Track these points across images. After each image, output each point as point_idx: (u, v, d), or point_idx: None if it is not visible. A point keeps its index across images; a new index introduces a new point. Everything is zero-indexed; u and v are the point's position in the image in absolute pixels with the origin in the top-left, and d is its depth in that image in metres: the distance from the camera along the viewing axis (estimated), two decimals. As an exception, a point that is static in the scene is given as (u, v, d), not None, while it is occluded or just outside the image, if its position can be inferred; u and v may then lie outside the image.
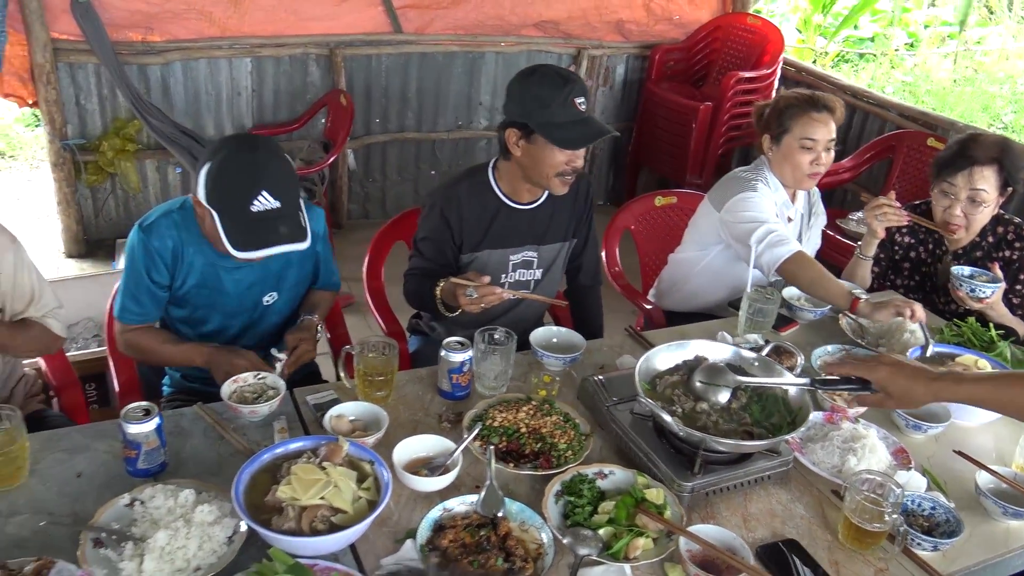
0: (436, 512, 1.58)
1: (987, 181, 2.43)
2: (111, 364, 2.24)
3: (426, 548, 1.51)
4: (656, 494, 1.65)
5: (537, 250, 2.38)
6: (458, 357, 1.92)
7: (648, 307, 2.90)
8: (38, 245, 4.22)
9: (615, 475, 1.72)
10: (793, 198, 2.69)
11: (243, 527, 1.46)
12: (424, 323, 2.57)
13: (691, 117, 4.49)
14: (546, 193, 2.31)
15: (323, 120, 4.33)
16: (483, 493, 1.61)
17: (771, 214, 2.54)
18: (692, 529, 1.57)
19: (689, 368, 1.86)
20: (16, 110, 6.10)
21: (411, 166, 4.76)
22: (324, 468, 1.53)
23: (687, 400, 1.78)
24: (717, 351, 1.92)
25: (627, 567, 1.50)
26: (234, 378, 1.86)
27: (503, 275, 2.37)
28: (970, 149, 2.44)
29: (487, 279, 2.08)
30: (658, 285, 2.97)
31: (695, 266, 2.76)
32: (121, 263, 3.93)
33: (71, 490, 1.60)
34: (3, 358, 2.03)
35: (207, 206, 1.84)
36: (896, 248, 2.71)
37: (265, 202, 1.81)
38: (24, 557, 1.37)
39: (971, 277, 2.38)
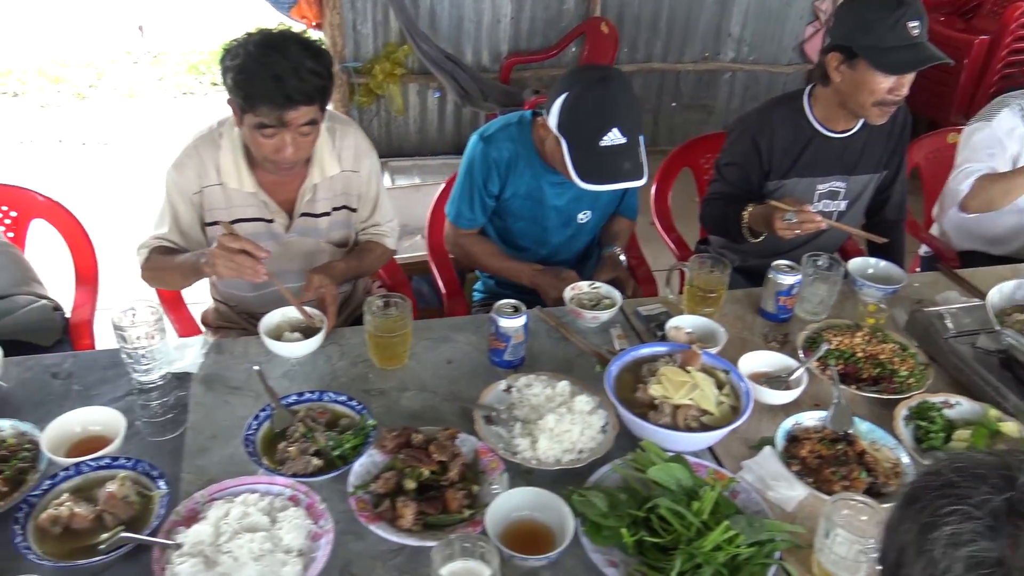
0: (788, 424, 1.63)
1: None
2: (433, 267, 2.43)
3: (784, 456, 1.57)
4: (1012, 427, 1.62)
5: (846, 180, 2.33)
6: (789, 280, 1.94)
7: (939, 246, 2.79)
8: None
9: (962, 406, 1.70)
10: None
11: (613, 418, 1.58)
12: (713, 249, 2.60)
13: (963, 52, 4.17)
14: (861, 121, 2.26)
15: (573, 48, 4.39)
16: (832, 410, 1.64)
17: (983, 152, 2.46)
18: (1060, 466, 1.54)
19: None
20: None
21: (653, 97, 4.75)
22: (688, 372, 1.62)
23: (1040, 337, 1.73)
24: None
25: (992, 495, 1.50)
26: (573, 286, 1.98)
27: (808, 206, 2.34)
28: None
29: (809, 206, 2.07)
30: (942, 224, 2.84)
31: None
32: (386, 181, 4.22)
33: (444, 373, 1.78)
34: None
35: (557, 133, 1.93)
36: None
37: (614, 138, 1.88)
38: (421, 427, 1.55)
39: None
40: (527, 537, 1.35)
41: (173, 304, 2.18)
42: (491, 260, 2.26)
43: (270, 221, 1.98)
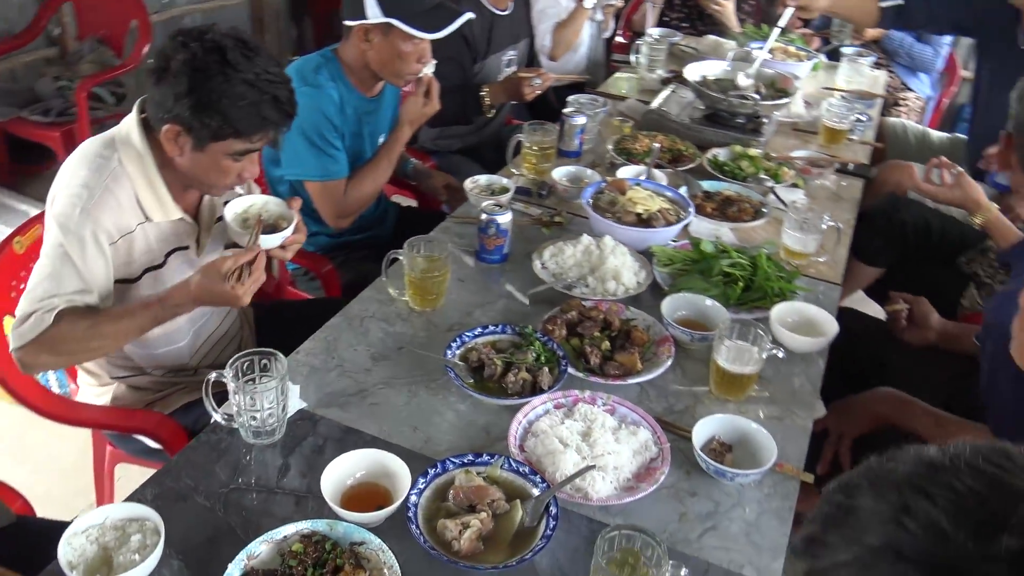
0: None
1: None
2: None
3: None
4: (754, 152, 2.51)
5: (516, 49, 2.88)
6: (582, 120, 2.46)
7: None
8: None
9: (720, 154, 2.53)
10: None
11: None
12: (429, 142, 2.91)
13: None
14: (514, 3, 2.81)
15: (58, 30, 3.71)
16: (687, 186, 2.30)
17: (548, 12, 3.22)
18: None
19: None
20: None
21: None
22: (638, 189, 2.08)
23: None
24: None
25: None
26: (467, 185, 2.16)
27: (499, 76, 2.84)
28: None
29: (542, 70, 2.60)
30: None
31: None
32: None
33: (476, 288, 1.88)
34: None
35: (386, 19, 1.99)
36: None
37: None
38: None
39: None
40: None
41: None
42: (378, 172, 2.22)
43: (187, 248, 1.68)
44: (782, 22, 2.75)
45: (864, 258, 2.48)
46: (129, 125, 1.55)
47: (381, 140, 2.35)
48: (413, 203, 2.85)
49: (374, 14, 1.99)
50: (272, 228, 1.64)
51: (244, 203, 1.68)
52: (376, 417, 1.49)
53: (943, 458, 0.61)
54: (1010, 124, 1.67)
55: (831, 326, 1.74)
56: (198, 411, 1.73)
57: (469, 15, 2.08)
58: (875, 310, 2.56)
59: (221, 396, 1.40)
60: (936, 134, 3.26)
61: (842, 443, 1.79)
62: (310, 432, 1.45)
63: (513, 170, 2.40)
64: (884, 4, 2.89)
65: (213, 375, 1.37)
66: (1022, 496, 0.57)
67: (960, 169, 2.21)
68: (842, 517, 0.63)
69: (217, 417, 1.40)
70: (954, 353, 2.00)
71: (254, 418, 1.37)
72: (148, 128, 1.54)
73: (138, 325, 1.52)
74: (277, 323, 2.01)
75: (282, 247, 1.64)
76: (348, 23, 2.04)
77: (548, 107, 3.12)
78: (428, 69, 2.15)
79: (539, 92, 2.60)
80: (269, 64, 1.50)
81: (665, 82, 3.12)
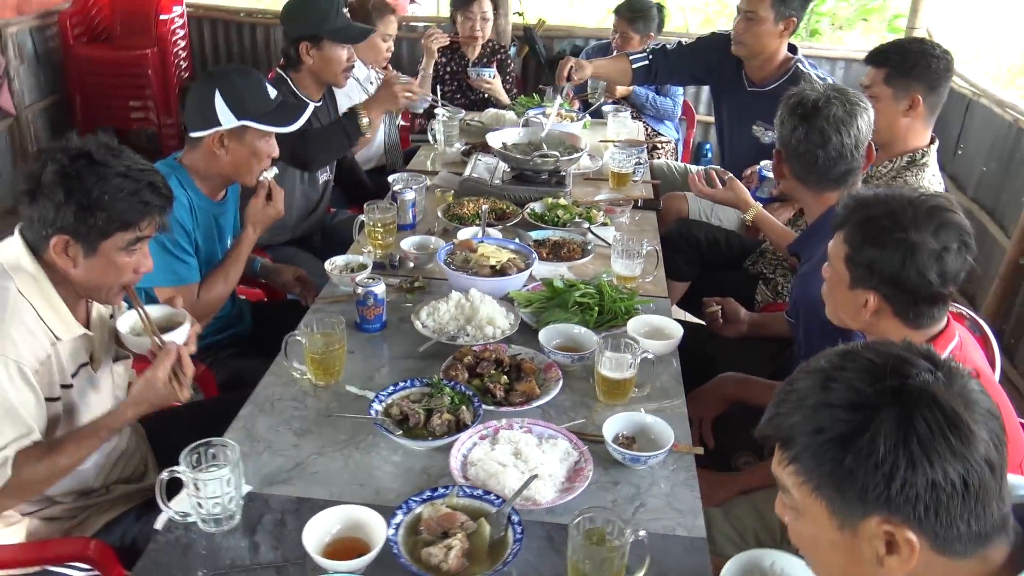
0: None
1: None
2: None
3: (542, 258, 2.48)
4: (564, 202, 2.87)
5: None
6: (411, 195, 2.68)
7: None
8: None
9: (536, 207, 2.85)
10: None
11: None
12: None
13: (143, 65, 4.79)
14: (323, 93, 2.99)
15: None
16: (520, 241, 2.59)
17: None
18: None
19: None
20: None
21: None
22: (481, 245, 2.32)
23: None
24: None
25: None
26: (327, 267, 2.29)
27: None
28: None
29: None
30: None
31: None
32: None
33: (368, 355, 2.01)
34: None
35: (239, 122, 2.13)
36: None
37: (272, 90, 2.25)
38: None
39: None
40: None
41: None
42: (228, 274, 2.27)
43: (87, 364, 1.69)
44: (562, 98, 3.23)
45: (672, 276, 2.89)
46: (16, 252, 1.56)
47: (231, 240, 2.42)
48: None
49: (228, 120, 2.12)
50: (166, 329, 1.70)
51: (132, 316, 1.74)
52: (322, 483, 1.59)
53: (848, 349, 0.98)
54: (778, 143, 2.11)
55: (676, 329, 2.07)
56: (122, 528, 1.72)
57: (314, 104, 2.27)
58: (691, 318, 2.98)
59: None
60: (693, 167, 3.84)
61: (703, 425, 2.12)
62: (265, 510, 1.51)
63: (363, 249, 2.55)
64: (635, 65, 3.42)
65: (165, 474, 1.42)
66: (896, 358, 0.95)
67: (731, 175, 2.70)
68: (788, 396, 0.98)
69: (172, 514, 1.44)
70: (765, 338, 2.42)
71: (217, 504, 1.42)
72: (34, 251, 1.57)
73: (89, 450, 1.59)
74: (169, 432, 1.99)
75: (185, 343, 1.70)
76: (198, 135, 2.14)
77: (364, 191, 3.33)
78: (268, 174, 2.28)
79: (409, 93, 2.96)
80: (136, 158, 1.62)
81: (466, 153, 3.43)
